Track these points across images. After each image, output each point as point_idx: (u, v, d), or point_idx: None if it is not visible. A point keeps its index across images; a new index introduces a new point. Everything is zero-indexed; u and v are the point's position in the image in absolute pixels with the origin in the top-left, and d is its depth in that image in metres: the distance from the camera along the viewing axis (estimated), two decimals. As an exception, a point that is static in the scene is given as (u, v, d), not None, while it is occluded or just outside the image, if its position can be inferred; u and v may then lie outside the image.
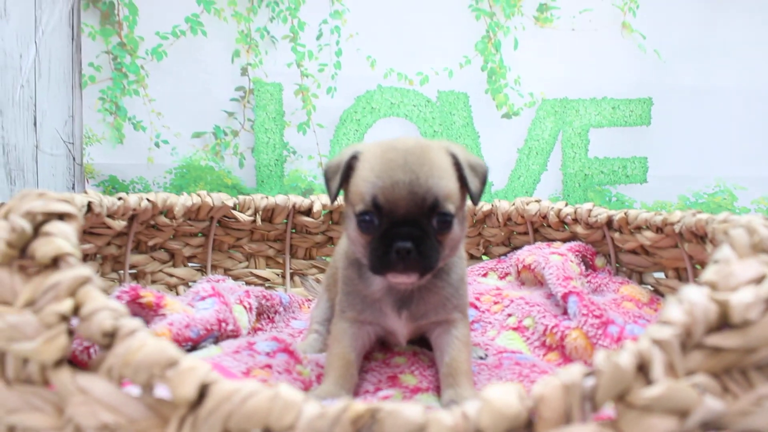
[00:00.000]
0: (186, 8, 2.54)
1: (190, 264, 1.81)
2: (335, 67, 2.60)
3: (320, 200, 1.90)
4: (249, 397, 0.62)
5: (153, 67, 2.55)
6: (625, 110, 2.64)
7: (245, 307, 1.49)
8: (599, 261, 1.66)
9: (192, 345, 1.31)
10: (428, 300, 1.22)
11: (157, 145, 2.56)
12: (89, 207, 1.33)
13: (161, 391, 0.67)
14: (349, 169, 1.16)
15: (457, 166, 1.15)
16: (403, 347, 1.33)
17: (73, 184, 2.59)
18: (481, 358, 1.35)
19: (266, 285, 1.91)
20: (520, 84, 2.62)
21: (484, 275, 1.81)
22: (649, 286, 1.58)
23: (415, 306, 1.21)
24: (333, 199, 1.19)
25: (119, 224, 1.47)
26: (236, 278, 1.87)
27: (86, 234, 1.43)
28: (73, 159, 2.57)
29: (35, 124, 2.34)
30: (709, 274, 0.73)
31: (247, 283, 1.89)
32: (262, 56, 2.57)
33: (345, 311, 1.26)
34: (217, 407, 0.63)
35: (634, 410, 0.62)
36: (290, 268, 1.93)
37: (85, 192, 1.35)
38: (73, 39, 2.55)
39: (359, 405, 0.59)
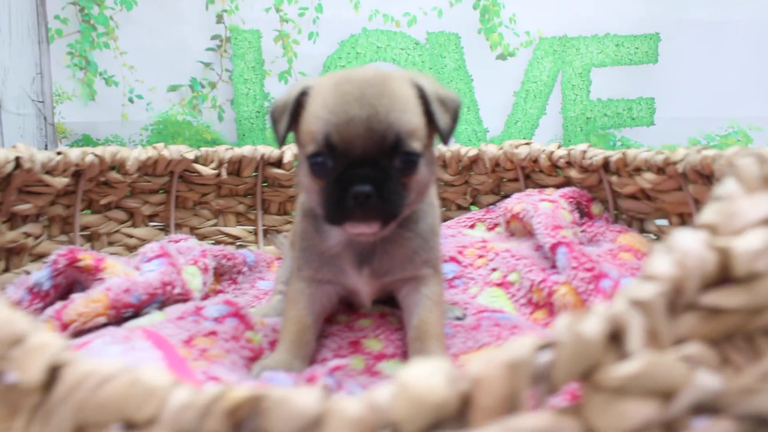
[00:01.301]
0: (155, -49, 2.36)
1: (151, 223, 1.67)
2: (316, 11, 2.42)
3: (291, 150, 1.74)
4: (104, 383, 0.49)
5: (123, 17, 2.39)
6: (629, 47, 2.44)
7: (200, 268, 1.37)
8: (596, 208, 1.50)
9: (134, 311, 1.18)
10: (393, 254, 1.08)
11: (131, 100, 2.42)
12: (17, 163, 1.20)
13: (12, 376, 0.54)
14: (298, 107, 1.01)
15: (424, 99, 1.00)
16: (369, 308, 1.20)
17: (46, 145, 2.46)
18: (458, 318, 1.22)
19: (237, 243, 1.77)
20: (515, 22, 2.43)
21: (471, 227, 1.67)
22: (652, 235, 1.43)
23: (377, 261, 1.07)
24: (281, 142, 1.05)
25: (60, 181, 1.34)
26: (204, 237, 1.74)
27: (23, 193, 1.30)
28: (44, 118, 2.44)
29: (-3, 82, 2.20)
30: (708, 214, 0.58)
31: (216, 242, 1.76)
32: (239, 2, 2.41)
33: (301, 269, 1.13)
34: (68, 395, 0.49)
35: (603, 393, 0.48)
36: (263, 225, 1.79)
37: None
38: (36, -10, 2.39)
39: (239, 392, 0.46)
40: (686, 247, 0.54)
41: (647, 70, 2.46)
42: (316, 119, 0.95)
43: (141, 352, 0.98)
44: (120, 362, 0.51)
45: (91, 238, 1.54)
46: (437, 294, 1.10)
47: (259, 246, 1.77)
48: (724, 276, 0.53)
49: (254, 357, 1.07)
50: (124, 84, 2.41)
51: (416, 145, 0.95)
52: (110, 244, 1.58)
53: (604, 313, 0.50)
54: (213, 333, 1.08)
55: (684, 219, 1.34)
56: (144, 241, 1.61)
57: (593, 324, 0.49)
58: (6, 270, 1.32)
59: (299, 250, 1.15)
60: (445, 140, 1.03)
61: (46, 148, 2.46)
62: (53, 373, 0.50)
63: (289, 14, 2.42)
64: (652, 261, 0.54)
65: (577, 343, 0.49)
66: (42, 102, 2.43)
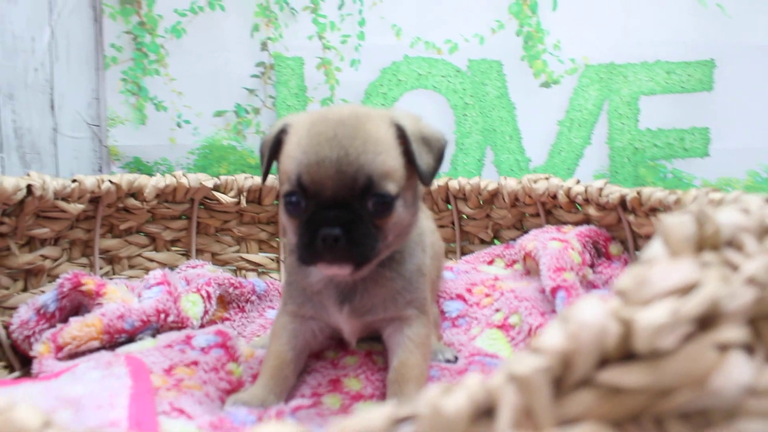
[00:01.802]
0: (204, -18, 2.44)
1: (173, 248, 1.71)
2: (359, 38, 2.44)
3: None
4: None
5: (173, 45, 2.48)
6: (682, 74, 2.34)
7: (202, 296, 1.38)
8: (614, 248, 1.43)
9: (128, 336, 1.21)
10: (374, 293, 1.06)
11: (179, 125, 2.50)
12: (29, 190, 1.25)
13: None
14: (278, 143, 1.01)
15: (403, 138, 0.98)
16: (359, 345, 1.18)
17: (100, 167, 2.57)
18: (449, 360, 1.18)
19: (259, 270, 1.79)
20: (560, 49, 2.37)
21: (490, 262, 1.62)
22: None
23: (359, 299, 1.06)
24: (263, 178, 1.06)
25: (75, 208, 1.38)
26: (225, 263, 1.76)
27: (40, 218, 1.35)
28: (99, 141, 2.55)
29: (53, 107, 2.31)
30: (623, 279, 0.54)
31: (238, 269, 1.78)
32: (282, 29, 2.45)
33: (286, 303, 1.13)
34: None
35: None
36: (285, 252, 1.80)
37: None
38: (95, 20, 2.51)
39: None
40: (584, 318, 0.50)
41: (701, 98, 2.34)
42: (290, 159, 0.96)
43: (115, 380, 0.99)
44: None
45: (112, 261, 1.59)
46: (421, 336, 1.08)
47: (280, 273, 1.78)
48: (627, 351, 0.50)
49: (232, 389, 1.08)
50: (173, 109, 2.49)
51: (390, 187, 0.93)
52: (131, 267, 1.63)
53: (475, 387, 0.48)
54: (195, 363, 1.09)
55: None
56: (165, 265, 1.66)
57: (458, 398, 0.47)
58: (24, 290, 1.37)
59: (285, 284, 1.15)
60: (425, 182, 1.00)
61: (100, 170, 2.57)
62: None
63: (331, 42, 2.44)
64: (544, 332, 0.50)
65: (436, 418, 0.46)
66: (98, 126, 2.54)
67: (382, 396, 1.05)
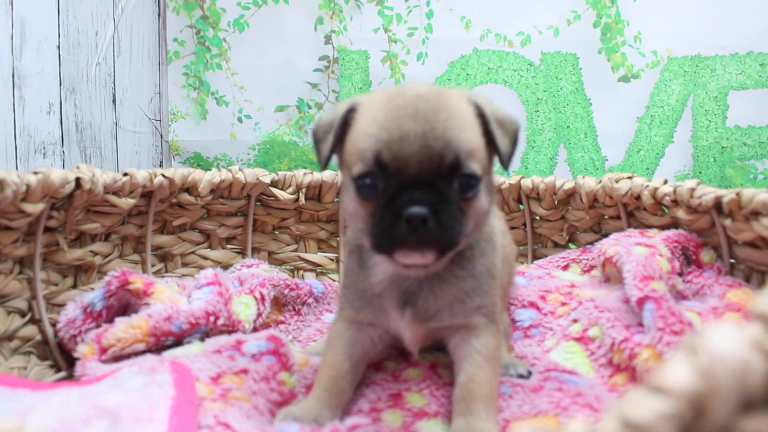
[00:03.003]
0: (267, -25, 2.39)
1: (229, 246, 1.64)
2: (426, 31, 2.34)
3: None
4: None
5: (235, 39, 2.43)
6: (777, 67, 2.14)
7: (256, 298, 1.30)
8: (706, 255, 1.28)
9: (175, 339, 1.13)
10: (440, 294, 0.95)
11: (240, 120, 2.45)
12: (77, 183, 1.19)
13: None
14: (345, 125, 0.91)
15: (482, 118, 0.88)
16: (420, 357, 1.07)
17: (161, 162, 2.55)
18: (521, 376, 1.06)
19: (317, 270, 1.70)
20: (640, 41, 2.21)
21: (565, 267, 1.49)
22: (774, 290, 1.19)
23: (422, 302, 0.95)
24: (324, 164, 0.95)
25: (126, 202, 1.32)
26: (282, 263, 1.68)
27: (90, 212, 1.30)
28: (161, 136, 2.52)
29: (114, 101, 2.29)
30: (764, 301, 0.42)
31: (295, 269, 1.69)
32: (347, 22, 2.37)
33: (343, 309, 1.03)
34: None
35: None
36: (344, 252, 1.70)
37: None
38: (159, 15, 2.49)
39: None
40: (719, 349, 0.38)
41: (798, 93, 2.15)
42: (365, 136, 0.85)
43: (157, 389, 0.92)
44: (11, 419, 0.44)
45: (165, 258, 1.53)
46: (490, 347, 0.96)
47: (339, 274, 1.69)
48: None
49: (283, 401, 0.99)
50: (234, 104, 2.45)
51: (476, 167, 0.84)
52: (184, 265, 1.57)
53: (581, 433, 0.37)
54: (244, 371, 1.01)
55: (814, 275, 1.11)
56: (219, 263, 1.59)
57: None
58: (74, 286, 1.32)
59: (341, 287, 1.05)
60: (505, 165, 0.91)
61: (161, 165, 2.55)
62: None
63: (397, 34, 2.35)
64: (667, 366, 0.39)
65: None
66: (159, 120, 2.51)
67: (448, 414, 0.95)
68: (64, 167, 2.08)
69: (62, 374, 1.21)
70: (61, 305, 1.26)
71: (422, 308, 0.96)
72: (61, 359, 1.22)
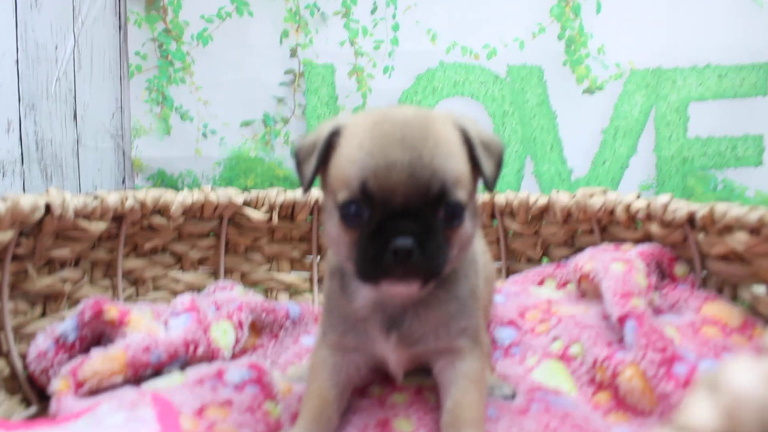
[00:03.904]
0: (232, -13, 2.36)
1: (201, 268, 1.61)
2: (392, 44, 2.34)
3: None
4: None
5: (199, 52, 2.40)
6: (734, 79, 2.20)
7: (234, 324, 1.28)
8: (680, 269, 1.30)
9: (153, 370, 1.11)
10: (425, 318, 0.95)
11: (204, 135, 2.41)
12: (47, 209, 1.15)
13: None
14: (328, 148, 0.90)
15: (468, 142, 0.88)
16: (405, 381, 1.07)
17: (124, 179, 2.49)
18: (506, 397, 1.06)
19: (291, 290, 1.68)
20: (604, 53, 2.24)
21: (540, 283, 1.50)
22: (746, 303, 1.22)
23: (408, 326, 0.94)
24: (306, 187, 0.94)
25: (97, 227, 1.29)
26: (255, 283, 1.65)
27: (60, 238, 1.26)
28: (123, 153, 2.47)
29: (75, 117, 2.23)
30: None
31: (268, 289, 1.67)
32: (313, 35, 2.36)
33: (326, 334, 1.02)
34: None
35: None
36: (318, 272, 1.69)
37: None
38: (120, 28, 2.44)
39: None
40: (741, 387, 0.39)
41: (755, 103, 2.20)
42: (350, 163, 0.84)
43: (140, 425, 0.89)
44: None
45: (136, 282, 1.50)
46: (475, 370, 0.96)
47: (313, 294, 1.68)
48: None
49: (270, 432, 0.97)
50: (199, 119, 2.41)
51: (462, 195, 0.84)
52: (156, 288, 1.53)
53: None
54: (228, 403, 0.99)
55: (785, 288, 1.14)
56: (191, 286, 1.56)
57: None
58: (43, 315, 1.28)
59: (324, 311, 1.04)
60: (490, 187, 0.91)
61: (123, 182, 2.49)
62: None
63: (363, 48, 2.34)
64: (689, 404, 0.39)
65: None
66: (121, 136, 2.46)
67: (438, 440, 0.94)
68: (24, 187, 2.02)
69: (33, 409, 1.16)
70: (31, 336, 1.22)
71: (407, 332, 0.95)
72: (31, 393, 1.18)
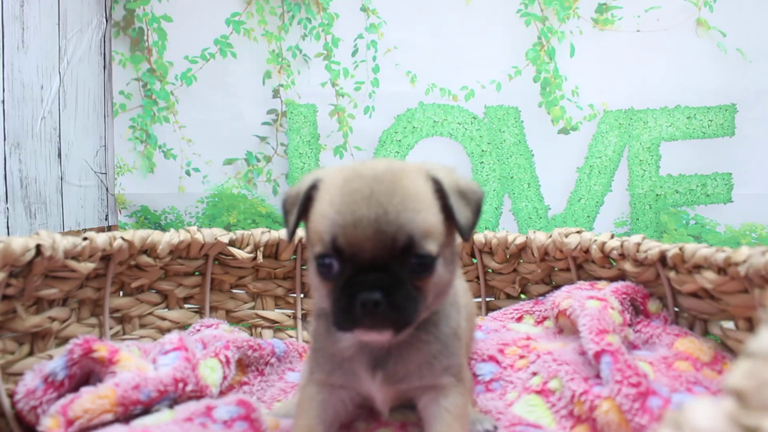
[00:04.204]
0: (215, 30, 2.42)
1: (186, 305, 1.63)
2: (372, 85, 2.40)
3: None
4: None
5: (183, 92, 2.44)
6: (703, 120, 2.29)
7: (221, 361, 1.30)
8: (653, 305, 1.35)
9: (143, 408, 1.12)
10: (409, 358, 0.98)
11: (188, 173, 2.45)
12: (38, 250, 1.17)
13: None
14: (308, 200, 0.94)
15: (440, 193, 0.91)
16: (390, 417, 1.09)
17: (107, 216, 2.51)
18: (488, 431, 1.09)
19: (275, 327, 1.70)
20: (578, 95, 2.33)
21: (518, 319, 1.54)
22: (716, 338, 1.26)
23: (392, 366, 0.98)
24: (290, 236, 0.98)
25: (86, 267, 1.31)
26: (240, 321, 1.67)
27: (48, 278, 1.27)
28: (106, 190, 2.49)
29: (60, 155, 2.26)
30: (736, 377, 0.46)
31: (253, 326, 1.69)
32: (295, 76, 2.42)
33: (313, 372, 1.05)
34: None
35: None
36: (302, 309, 1.71)
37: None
38: (104, 67, 2.48)
39: None
40: (700, 425, 0.43)
41: (723, 143, 2.29)
42: (323, 219, 0.88)
43: (132, 464, 0.91)
44: None
45: (123, 320, 1.51)
46: (458, 406, 0.99)
47: (297, 331, 1.70)
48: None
49: (258, 470, 0.99)
50: (182, 157, 2.44)
51: (431, 247, 0.86)
52: (142, 326, 1.54)
53: None
54: (218, 440, 1.01)
55: (753, 323, 1.18)
56: (177, 323, 1.57)
57: None
58: (30, 354, 1.29)
59: (311, 350, 1.07)
60: (464, 236, 0.93)
61: (106, 219, 2.50)
62: None
63: (344, 88, 2.40)
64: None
65: None
66: (104, 174, 2.48)
67: (423, 475, 0.97)
68: (8, 225, 2.04)
69: (20, 448, 1.17)
70: (18, 374, 1.22)
71: (392, 371, 0.98)
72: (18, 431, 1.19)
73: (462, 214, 0.91)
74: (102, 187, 2.48)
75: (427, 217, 0.87)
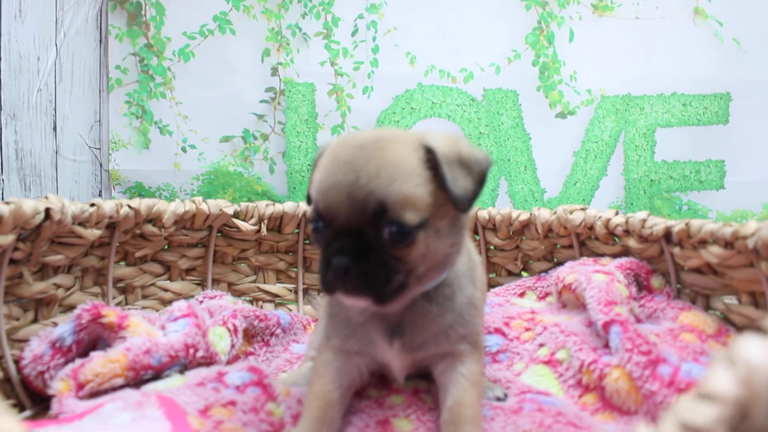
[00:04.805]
0: (214, 6, 2.40)
1: (188, 278, 1.62)
2: (372, 65, 2.40)
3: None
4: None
5: (180, 68, 2.42)
6: (698, 107, 2.32)
7: (229, 330, 1.30)
8: (656, 281, 1.37)
9: (154, 373, 1.12)
10: (424, 328, 0.98)
11: (183, 150, 2.43)
12: (47, 214, 1.17)
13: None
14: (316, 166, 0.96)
15: (434, 162, 0.88)
16: (402, 384, 1.10)
17: (100, 191, 2.49)
18: (498, 398, 1.11)
19: (276, 302, 1.70)
20: (576, 80, 2.35)
21: (521, 295, 1.56)
22: (718, 313, 1.29)
23: (409, 335, 0.98)
24: (308, 200, 0.99)
25: (93, 233, 1.30)
26: (241, 294, 1.67)
27: (54, 244, 1.26)
28: (100, 165, 2.47)
29: (55, 128, 2.23)
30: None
31: (254, 300, 1.69)
32: (294, 55, 2.41)
33: (330, 338, 1.05)
34: None
35: None
36: (303, 283, 1.71)
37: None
38: (100, 41, 2.45)
39: None
40: (754, 359, 0.44)
41: (717, 131, 2.32)
42: (313, 184, 0.91)
43: (150, 423, 0.91)
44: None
45: (125, 290, 1.50)
46: (475, 373, 1.00)
47: (298, 305, 1.70)
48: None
49: (273, 432, 0.99)
50: (178, 133, 2.42)
51: (409, 216, 0.84)
52: (144, 297, 1.54)
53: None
54: (232, 403, 1.01)
55: (756, 298, 1.21)
56: (180, 295, 1.57)
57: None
58: (35, 320, 1.28)
59: (328, 317, 1.07)
60: (459, 207, 0.89)
61: (100, 195, 2.48)
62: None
63: (344, 68, 2.40)
64: (710, 376, 0.44)
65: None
66: (99, 149, 2.46)
67: (437, 439, 0.98)
68: (2, 197, 2.01)
69: (27, 413, 1.16)
70: (23, 341, 1.21)
71: (409, 340, 0.99)
72: (25, 397, 1.18)
73: (458, 183, 0.89)
74: (96, 163, 2.46)
75: (403, 186, 0.85)
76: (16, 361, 1.19)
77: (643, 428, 0.43)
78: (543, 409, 1.02)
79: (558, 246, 1.63)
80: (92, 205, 1.29)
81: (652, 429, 0.42)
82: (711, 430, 0.41)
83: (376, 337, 1.00)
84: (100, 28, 2.44)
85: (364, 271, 0.84)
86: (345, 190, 0.84)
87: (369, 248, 0.84)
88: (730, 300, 1.28)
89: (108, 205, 1.32)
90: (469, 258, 1.07)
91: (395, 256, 0.86)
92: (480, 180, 0.92)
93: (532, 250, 1.65)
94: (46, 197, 1.20)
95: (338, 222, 0.86)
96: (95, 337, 1.22)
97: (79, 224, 1.28)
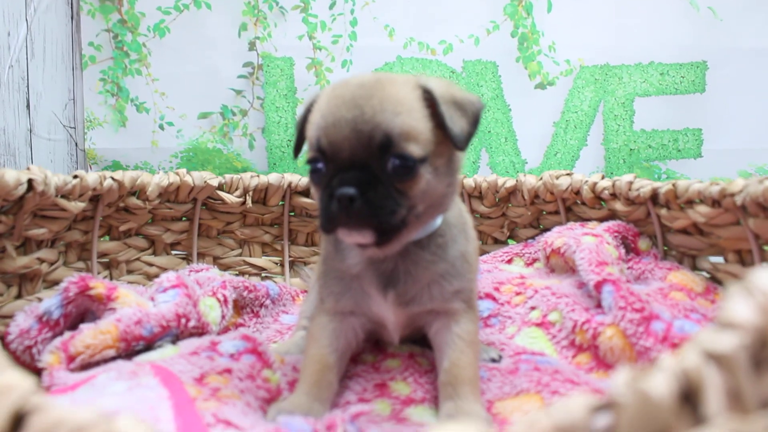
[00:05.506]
0: (189, -21, 2.35)
1: (173, 252, 1.60)
2: (350, 38, 2.37)
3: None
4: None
5: (155, 44, 2.38)
6: (675, 76, 2.34)
7: (219, 300, 1.29)
8: (643, 243, 1.39)
9: (145, 344, 1.11)
10: (417, 276, 0.99)
11: (161, 127, 2.39)
12: (30, 185, 1.14)
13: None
14: (308, 114, 0.96)
15: (432, 101, 0.92)
16: (398, 347, 1.10)
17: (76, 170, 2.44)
18: (493, 360, 1.12)
19: (262, 275, 1.69)
20: (555, 50, 2.35)
21: (508, 261, 1.57)
22: (705, 273, 1.31)
23: (402, 285, 0.99)
24: (295, 153, 1.04)
25: (76, 206, 1.27)
26: (227, 267, 1.66)
27: (37, 217, 1.24)
28: (75, 144, 2.42)
29: (28, 106, 2.18)
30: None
31: (240, 273, 1.68)
32: (271, 29, 2.37)
33: (324, 300, 1.05)
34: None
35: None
36: (289, 256, 1.71)
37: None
38: (72, 17, 2.39)
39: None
40: (769, 287, 0.44)
41: (694, 99, 2.35)
42: (311, 125, 0.92)
43: (147, 391, 0.90)
44: (95, 410, 0.43)
45: (110, 265, 1.48)
46: (471, 333, 1.01)
47: (285, 278, 1.69)
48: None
49: (271, 398, 0.99)
50: (155, 111, 2.39)
51: (413, 149, 0.87)
52: (129, 272, 1.52)
53: (675, 369, 0.41)
54: (227, 371, 1.00)
55: (742, 256, 1.22)
56: (164, 269, 1.55)
57: (662, 382, 0.40)
58: (18, 296, 1.26)
59: (321, 276, 1.07)
60: (458, 145, 0.92)
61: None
62: (18, 421, 0.43)
63: (322, 42, 2.37)
64: (728, 305, 0.45)
65: (643, 404, 0.39)
66: (74, 128, 2.41)
67: (434, 400, 0.98)
68: (-23, 176, 1.96)
69: (16, 388, 1.14)
70: (7, 317, 1.19)
71: (403, 290, 0.99)
72: (12, 372, 1.16)
73: (456, 123, 0.92)
74: (71, 142, 2.41)
75: (407, 119, 0.88)
76: (2, 337, 1.17)
77: (667, 359, 0.43)
78: (539, 368, 1.03)
79: (544, 212, 1.64)
80: (75, 176, 1.27)
81: (676, 359, 0.43)
82: (733, 357, 0.42)
83: (371, 289, 1.00)
84: (71, 3, 2.38)
85: (370, 200, 0.84)
86: (350, 124, 0.86)
87: (373, 179, 0.85)
88: (717, 259, 1.30)
89: (91, 177, 1.30)
90: (461, 214, 1.08)
91: (399, 189, 0.88)
92: (474, 120, 0.96)
93: (518, 217, 1.66)
94: (28, 168, 1.18)
95: (342, 156, 0.87)
96: (83, 311, 1.21)
97: (62, 197, 1.26)
